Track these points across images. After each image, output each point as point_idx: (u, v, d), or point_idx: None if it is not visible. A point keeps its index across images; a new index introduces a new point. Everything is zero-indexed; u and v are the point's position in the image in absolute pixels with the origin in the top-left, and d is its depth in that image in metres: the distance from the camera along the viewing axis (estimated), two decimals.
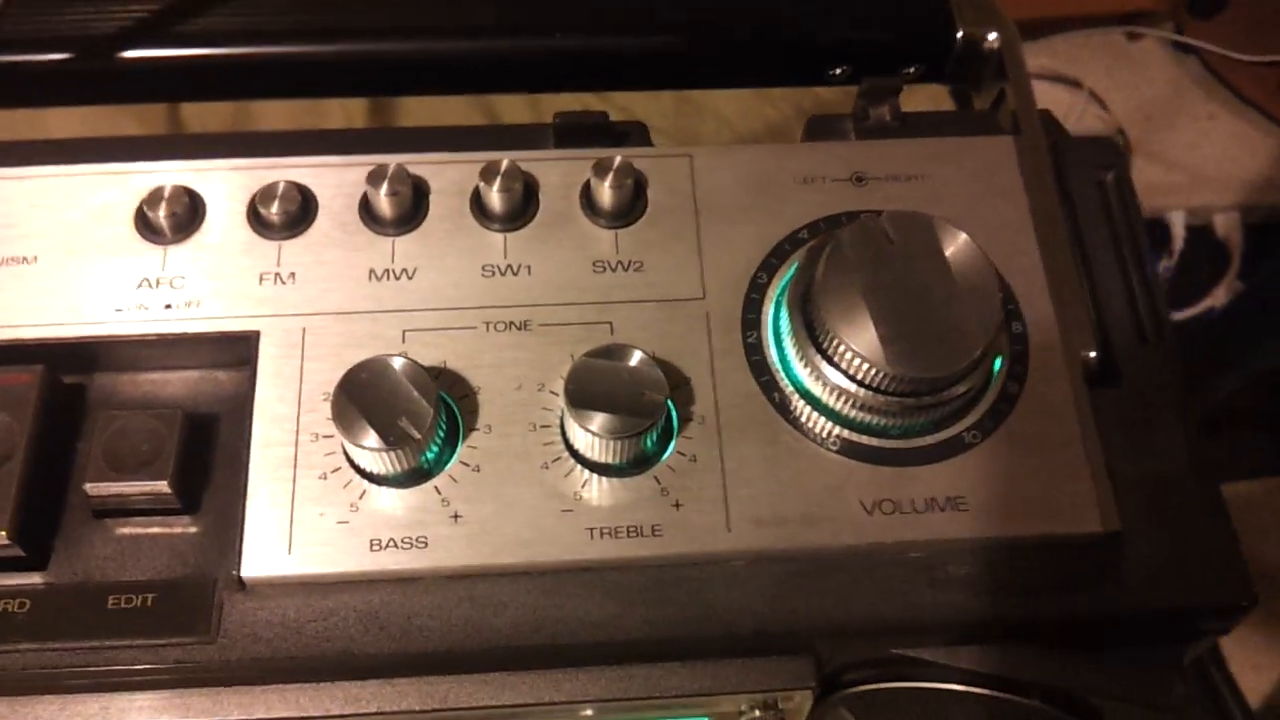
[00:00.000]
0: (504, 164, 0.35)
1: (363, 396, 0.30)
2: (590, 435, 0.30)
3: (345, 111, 0.79)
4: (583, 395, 0.30)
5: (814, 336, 0.32)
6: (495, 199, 0.35)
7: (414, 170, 0.35)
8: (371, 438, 0.30)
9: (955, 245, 0.32)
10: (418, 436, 0.30)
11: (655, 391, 0.31)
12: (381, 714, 0.30)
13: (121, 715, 0.30)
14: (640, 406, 0.30)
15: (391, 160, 0.35)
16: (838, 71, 0.41)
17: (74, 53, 0.38)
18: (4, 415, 0.31)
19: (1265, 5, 1.08)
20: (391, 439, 0.30)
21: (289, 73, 0.40)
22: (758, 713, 0.32)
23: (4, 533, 0.30)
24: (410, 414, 0.30)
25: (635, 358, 0.31)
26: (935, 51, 0.41)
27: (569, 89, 0.43)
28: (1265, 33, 1.06)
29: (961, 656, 0.32)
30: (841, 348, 0.31)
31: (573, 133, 0.37)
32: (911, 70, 0.41)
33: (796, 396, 0.33)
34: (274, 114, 0.66)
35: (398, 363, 0.31)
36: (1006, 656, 0.32)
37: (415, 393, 0.30)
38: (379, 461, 0.30)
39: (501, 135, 0.38)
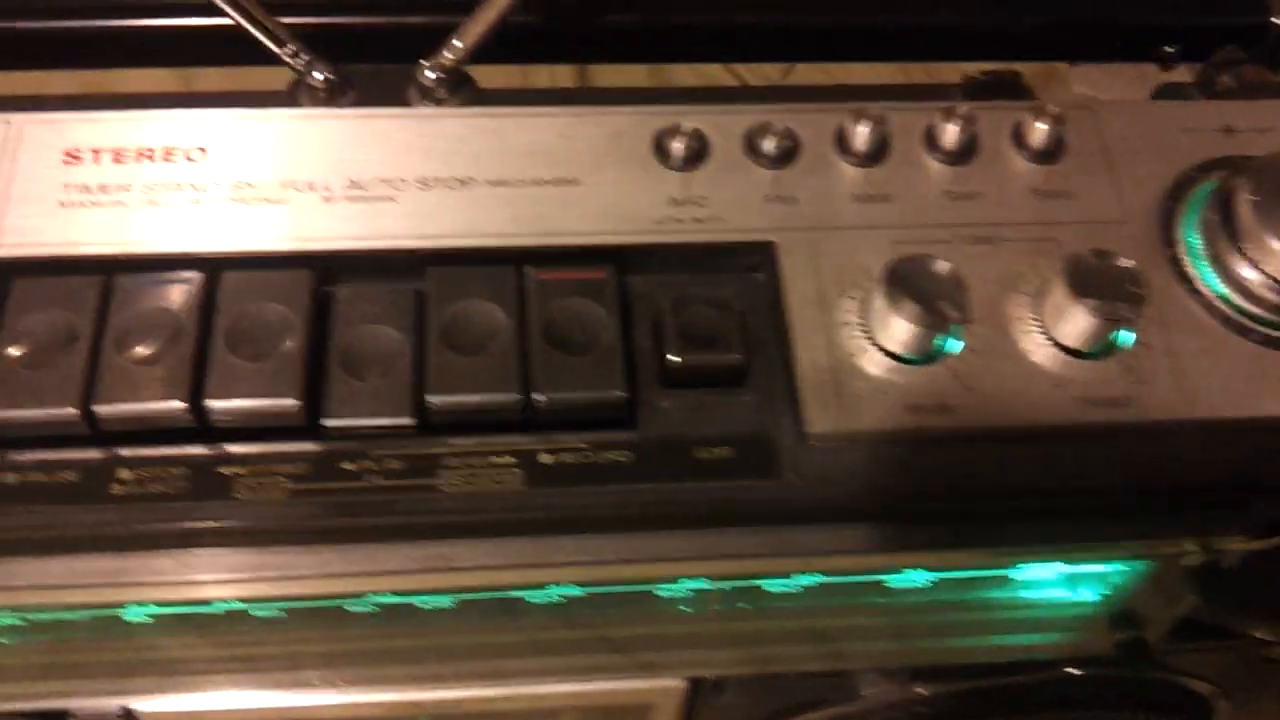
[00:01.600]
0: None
1: (905, 284, 0.37)
2: (1088, 323, 0.37)
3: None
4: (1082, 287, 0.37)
5: (1239, 247, 0.39)
6: (948, 136, 0.42)
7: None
8: (917, 315, 0.36)
9: None
10: (956, 315, 0.36)
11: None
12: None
13: (713, 547, 0.36)
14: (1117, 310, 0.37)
15: (852, 107, 0.42)
16: (1170, 50, 0.48)
17: None
18: (593, 305, 0.37)
19: None
20: (932, 320, 0.36)
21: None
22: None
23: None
24: (949, 299, 0.36)
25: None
26: (1252, 36, 0.48)
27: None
28: None
29: None
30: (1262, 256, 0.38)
31: (984, 90, 0.44)
32: (1228, 49, 0.49)
33: (1216, 299, 0.40)
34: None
35: (932, 260, 0.37)
36: None
37: (949, 282, 0.37)
38: (914, 340, 0.37)
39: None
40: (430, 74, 0.43)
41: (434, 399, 0.36)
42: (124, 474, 0.36)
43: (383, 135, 0.41)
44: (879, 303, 0.37)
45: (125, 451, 0.36)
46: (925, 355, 0.38)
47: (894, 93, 0.45)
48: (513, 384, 0.36)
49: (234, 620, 0.40)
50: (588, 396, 0.36)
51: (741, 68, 0.87)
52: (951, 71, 0.46)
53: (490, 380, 0.36)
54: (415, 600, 0.40)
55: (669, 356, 0.37)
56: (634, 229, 0.39)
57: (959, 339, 0.38)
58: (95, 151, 0.40)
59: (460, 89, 0.43)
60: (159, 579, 0.36)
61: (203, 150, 0.40)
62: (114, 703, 0.44)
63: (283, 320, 0.37)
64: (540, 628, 0.42)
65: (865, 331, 0.38)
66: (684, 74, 0.76)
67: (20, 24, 0.48)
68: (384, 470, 0.36)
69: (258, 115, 0.41)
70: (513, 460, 0.36)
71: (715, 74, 0.86)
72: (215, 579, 0.37)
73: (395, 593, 0.39)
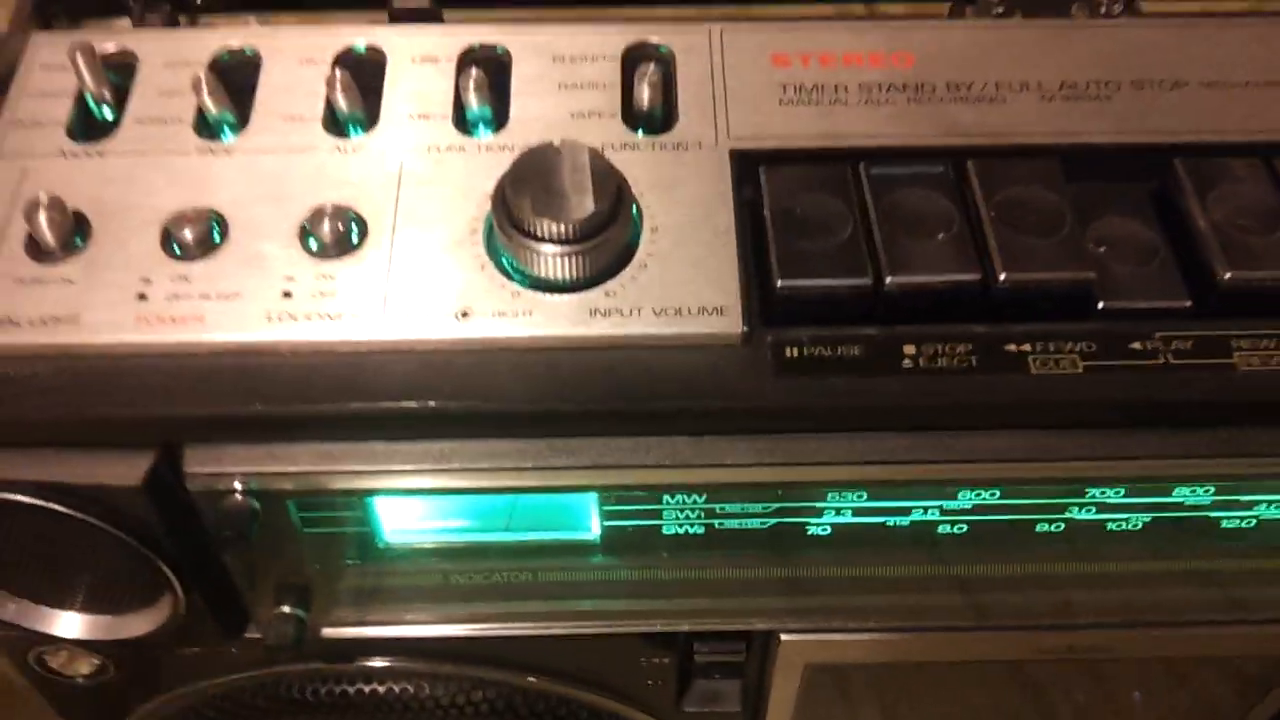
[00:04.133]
0: None
1: None
2: None
3: None
4: None
5: None
6: None
7: None
8: None
9: None
10: None
11: None
12: None
13: None
14: None
15: None
16: None
17: None
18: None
19: None
20: None
21: None
22: None
23: None
24: None
25: None
26: None
27: None
28: None
29: None
30: None
31: None
32: None
33: None
34: None
35: None
36: None
37: None
38: None
39: None
40: None
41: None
42: (910, 349, 0.35)
43: (1082, 43, 0.41)
44: None
45: (909, 329, 0.35)
46: None
47: None
48: None
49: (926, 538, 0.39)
50: None
51: None
52: None
53: None
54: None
55: None
56: None
57: None
58: (803, 56, 0.40)
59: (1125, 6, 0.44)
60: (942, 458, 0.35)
61: (907, 58, 0.41)
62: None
63: (1051, 203, 0.36)
64: None
65: None
66: None
67: None
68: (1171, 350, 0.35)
69: (950, 25, 0.41)
70: None
71: None
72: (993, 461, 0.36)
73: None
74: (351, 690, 0.45)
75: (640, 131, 0.39)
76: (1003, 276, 0.35)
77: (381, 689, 0.45)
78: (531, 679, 0.45)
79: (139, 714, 0.49)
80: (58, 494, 0.35)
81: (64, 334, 0.35)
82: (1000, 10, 0.42)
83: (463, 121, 0.39)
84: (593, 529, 0.39)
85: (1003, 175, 0.37)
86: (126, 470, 0.35)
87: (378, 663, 0.45)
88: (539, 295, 0.35)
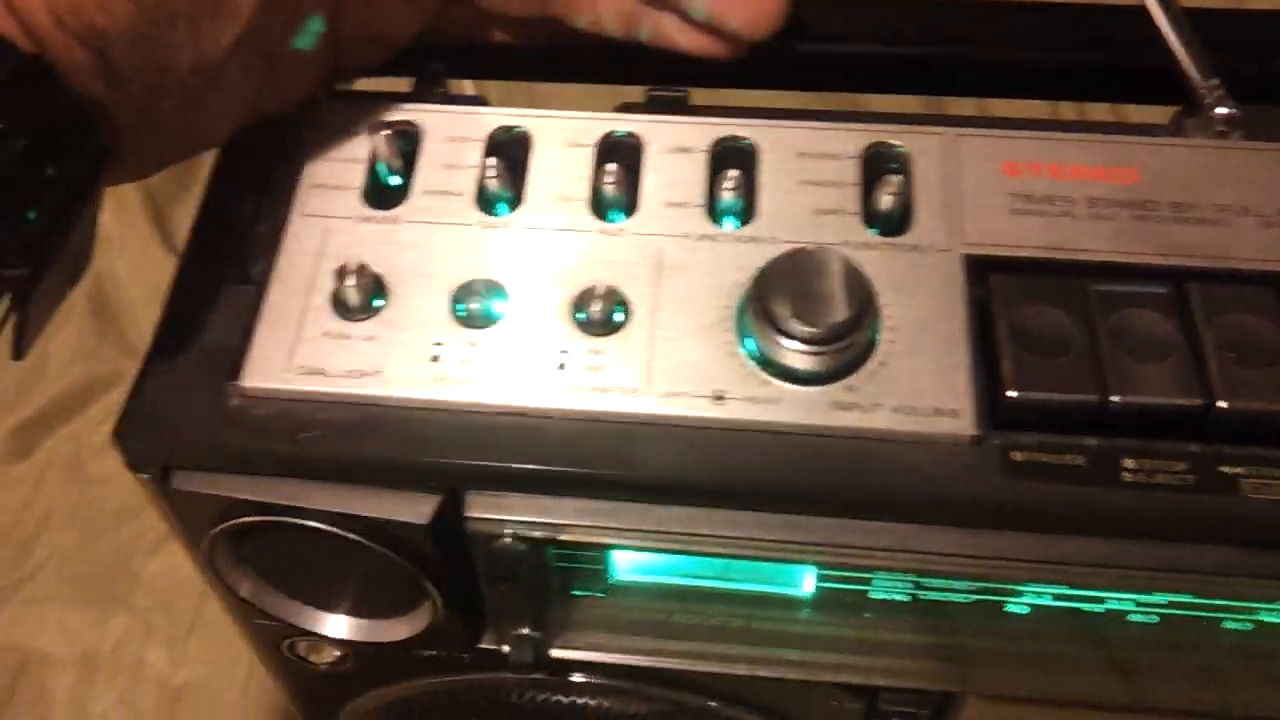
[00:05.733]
0: None
1: None
2: None
3: None
4: None
5: None
6: None
7: None
8: None
9: None
10: None
11: None
12: None
13: None
14: None
15: None
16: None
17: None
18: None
19: None
20: None
21: None
22: None
23: None
24: None
25: None
26: None
27: None
28: None
29: None
30: None
31: None
32: None
33: None
34: None
35: None
36: None
37: None
38: None
39: None
40: None
41: None
42: (1129, 463, 0.38)
43: None
44: None
45: (1129, 442, 0.38)
46: None
47: None
48: None
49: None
50: None
51: None
52: None
53: None
54: None
55: None
56: None
57: None
58: (1034, 166, 0.43)
59: None
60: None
61: (1132, 174, 0.43)
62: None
63: (1269, 332, 0.39)
64: None
65: None
66: None
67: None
68: None
69: (1173, 143, 0.44)
70: None
71: None
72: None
73: None
74: (565, 700, 0.50)
75: (877, 231, 0.43)
76: (1222, 404, 0.37)
77: (592, 702, 0.50)
78: (730, 710, 0.49)
79: (360, 699, 0.55)
80: (352, 524, 0.41)
81: (368, 386, 0.40)
82: (1222, 128, 0.44)
83: (713, 211, 0.43)
84: (806, 587, 0.44)
85: (1223, 301, 0.39)
86: (415, 509, 0.40)
87: (590, 678, 0.50)
88: (786, 385, 0.39)
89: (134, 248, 1.15)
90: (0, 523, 1.01)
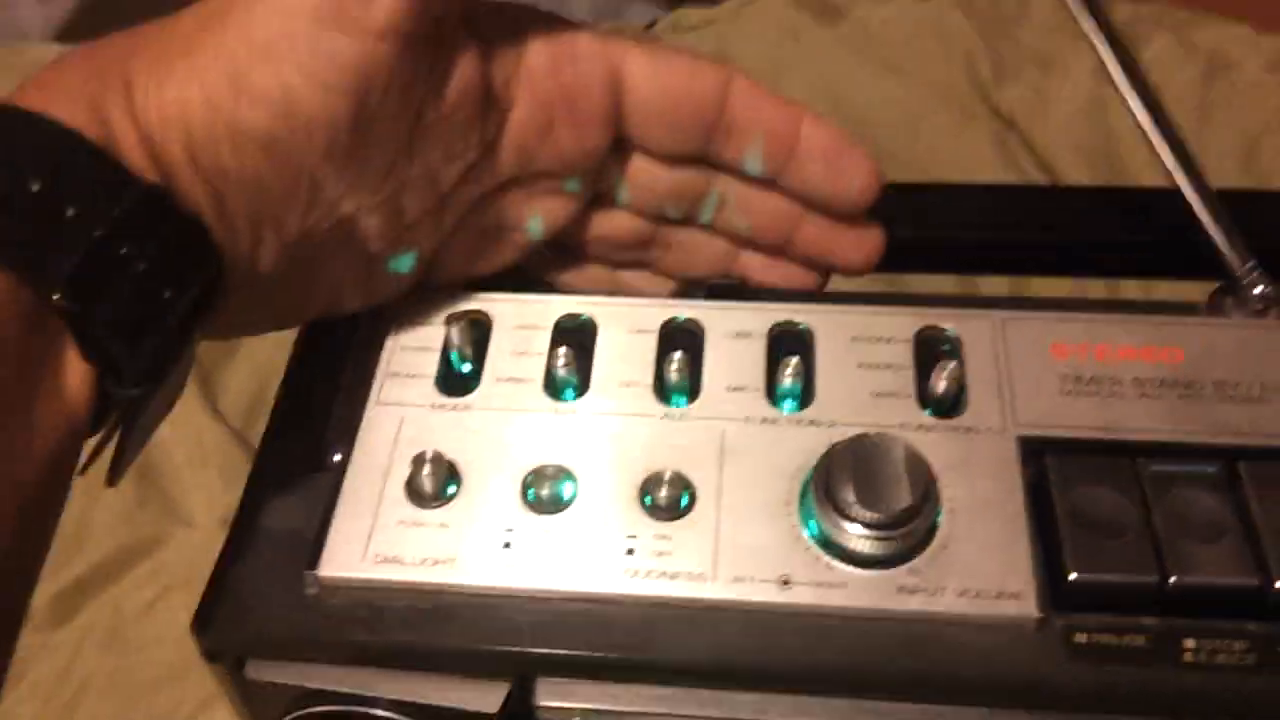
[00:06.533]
0: None
1: None
2: None
3: None
4: None
5: None
6: None
7: None
8: None
9: None
10: None
11: None
12: None
13: None
14: None
15: None
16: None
17: None
18: None
19: None
20: None
21: None
22: None
23: None
24: None
25: None
26: None
27: None
28: None
29: None
30: None
31: None
32: None
33: None
34: None
35: None
36: None
37: None
38: None
39: None
40: None
41: None
42: (1190, 643, 0.39)
43: None
44: None
45: (1188, 622, 0.39)
46: None
47: None
48: None
49: None
50: None
51: None
52: None
53: None
54: None
55: None
56: None
57: None
58: (1081, 347, 0.45)
59: None
60: None
61: (1177, 353, 0.45)
62: None
63: None
64: None
65: None
66: None
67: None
68: None
69: (1215, 323, 0.46)
70: None
71: None
72: None
73: None
74: None
75: (931, 413, 0.44)
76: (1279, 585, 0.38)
77: None
78: None
79: None
80: (422, 713, 0.41)
81: (440, 574, 0.41)
82: (1260, 307, 0.46)
83: (773, 394, 0.45)
84: None
85: (1274, 479, 0.41)
86: (484, 698, 0.41)
87: None
88: (851, 569, 0.40)
89: (178, 411, 1.16)
90: (39, 690, 1.01)
